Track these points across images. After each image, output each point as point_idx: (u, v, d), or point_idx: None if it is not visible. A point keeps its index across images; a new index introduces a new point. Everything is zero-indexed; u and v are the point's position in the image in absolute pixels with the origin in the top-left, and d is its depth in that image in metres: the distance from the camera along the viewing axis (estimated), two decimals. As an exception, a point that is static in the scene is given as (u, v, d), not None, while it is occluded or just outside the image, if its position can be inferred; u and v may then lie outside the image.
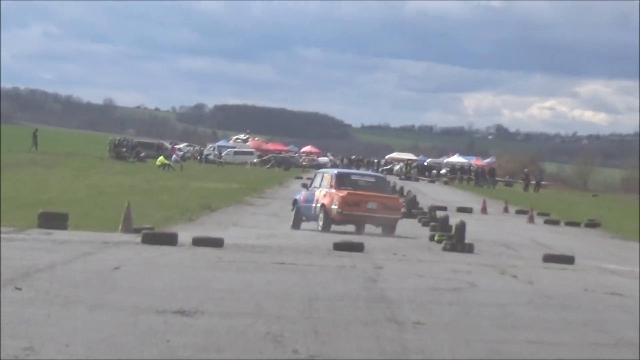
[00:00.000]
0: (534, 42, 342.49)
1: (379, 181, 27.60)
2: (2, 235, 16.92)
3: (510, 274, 16.26)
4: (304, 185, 28.98)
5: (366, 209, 25.33)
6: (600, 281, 16.11)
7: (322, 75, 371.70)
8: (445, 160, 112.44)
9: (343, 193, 25.45)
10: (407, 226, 28.88)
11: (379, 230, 25.91)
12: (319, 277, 14.06)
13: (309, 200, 26.68)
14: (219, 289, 12.18)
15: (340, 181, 26.18)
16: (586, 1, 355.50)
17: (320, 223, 25.73)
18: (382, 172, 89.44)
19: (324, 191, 26.17)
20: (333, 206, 25.46)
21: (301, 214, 27.12)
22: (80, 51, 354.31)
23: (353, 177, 26.91)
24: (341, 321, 10.17)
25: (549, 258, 19.78)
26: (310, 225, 26.62)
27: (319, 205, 26.04)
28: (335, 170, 28.17)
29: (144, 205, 28.08)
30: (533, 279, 15.59)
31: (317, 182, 27.16)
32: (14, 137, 74.64)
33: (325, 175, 27.26)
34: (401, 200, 27.18)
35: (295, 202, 27.72)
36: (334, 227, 25.80)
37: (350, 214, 25.39)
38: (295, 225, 26.94)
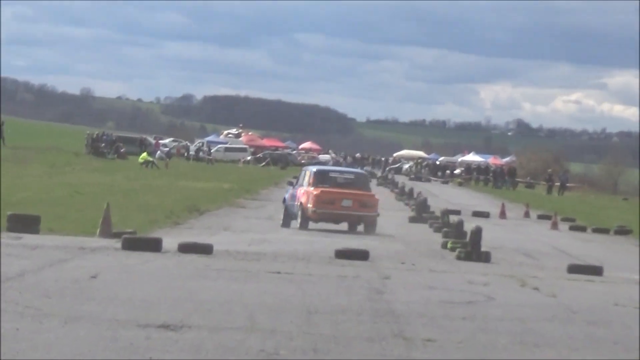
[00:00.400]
0: (558, 28, 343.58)
1: (358, 178, 29.40)
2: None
3: (532, 285, 16.26)
4: (290, 183, 30.87)
5: (341, 206, 27.27)
6: (632, 294, 16.10)
7: (324, 63, 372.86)
8: (459, 159, 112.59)
9: (317, 191, 27.23)
10: (417, 232, 28.95)
11: (360, 228, 27.86)
12: (318, 288, 14.07)
13: (293, 198, 28.59)
14: (207, 300, 12.18)
15: (318, 178, 27.98)
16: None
17: (299, 221, 27.63)
18: (389, 171, 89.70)
19: (303, 189, 27.90)
20: (309, 204, 27.22)
21: (289, 212, 28.94)
22: (55, 35, 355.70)
23: (332, 175, 28.81)
24: (343, 337, 10.16)
25: (575, 268, 19.77)
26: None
27: (298, 203, 27.83)
28: (315, 168, 30.34)
29: (124, 207, 28.11)
30: (557, 291, 15.59)
31: (301, 180, 28.96)
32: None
33: (306, 172, 29.09)
34: (377, 197, 28.57)
35: (285, 200, 29.73)
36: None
37: (325, 212, 27.26)
38: (285, 223, 28.76)
